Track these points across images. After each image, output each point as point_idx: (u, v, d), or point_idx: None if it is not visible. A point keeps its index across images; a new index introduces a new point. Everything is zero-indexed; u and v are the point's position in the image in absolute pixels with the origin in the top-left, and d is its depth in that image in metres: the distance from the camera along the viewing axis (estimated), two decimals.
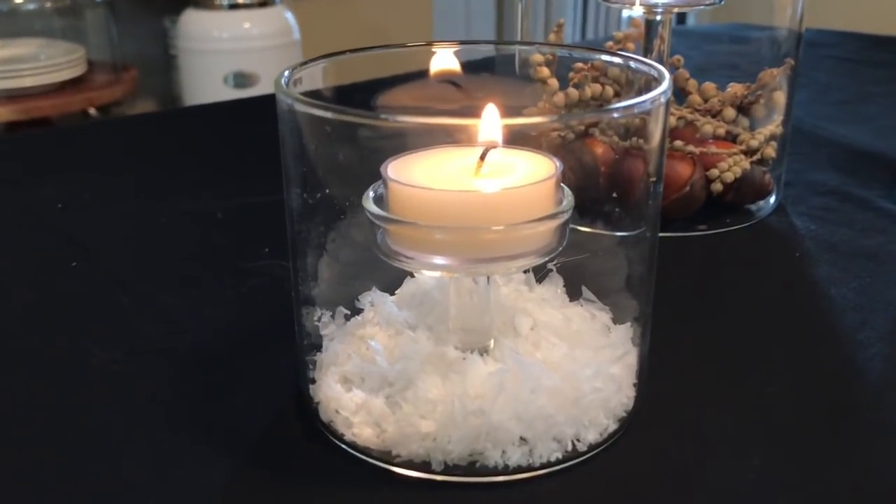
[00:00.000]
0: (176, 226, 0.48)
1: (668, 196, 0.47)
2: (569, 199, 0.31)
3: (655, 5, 0.48)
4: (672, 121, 0.49)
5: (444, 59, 0.34)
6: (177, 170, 0.58)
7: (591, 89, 0.49)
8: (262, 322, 0.38)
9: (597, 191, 0.50)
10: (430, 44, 0.33)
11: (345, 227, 0.32)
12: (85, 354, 0.35)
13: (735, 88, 0.51)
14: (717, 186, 0.47)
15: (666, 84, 0.28)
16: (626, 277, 0.33)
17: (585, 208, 0.40)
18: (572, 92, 0.49)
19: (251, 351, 0.36)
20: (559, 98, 0.49)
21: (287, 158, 0.29)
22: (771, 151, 0.49)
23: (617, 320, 0.34)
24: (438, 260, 0.29)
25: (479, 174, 0.31)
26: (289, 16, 1.71)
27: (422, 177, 0.30)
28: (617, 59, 0.34)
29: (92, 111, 1.68)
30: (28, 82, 1.51)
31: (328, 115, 0.25)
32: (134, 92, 1.74)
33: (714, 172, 0.47)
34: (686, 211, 0.47)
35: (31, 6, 1.67)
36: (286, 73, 0.28)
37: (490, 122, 0.31)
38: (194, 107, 0.88)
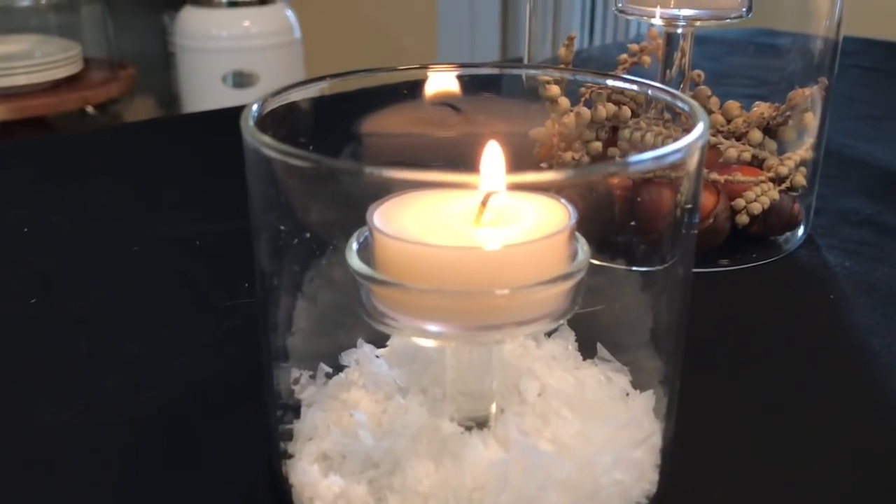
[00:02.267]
0: (150, 254, 0.44)
1: None
2: (584, 251, 0.27)
3: (677, 18, 0.43)
4: None
5: (441, 81, 0.30)
6: (157, 188, 0.54)
7: (606, 109, 0.45)
8: (236, 374, 0.34)
9: (615, 221, 0.46)
10: (425, 66, 0.29)
11: (325, 266, 0.28)
12: (29, 413, 0.31)
13: (761, 108, 0.47)
14: (743, 219, 0.43)
15: (701, 128, 0.23)
16: (648, 330, 0.29)
17: (602, 241, 0.36)
18: (584, 112, 0.45)
19: (222, 411, 0.32)
20: (569, 119, 0.45)
21: (255, 202, 0.25)
22: (801, 179, 0.45)
23: (637, 383, 0.30)
24: (432, 327, 0.24)
25: (480, 223, 0.27)
26: (289, 14, 1.67)
27: (414, 225, 0.26)
28: (637, 88, 0.29)
29: (89, 109, 1.64)
30: (22, 80, 1.47)
31: (303, 164, 0.21)
32: (131, 90, 1.71)
33: (740, 203, 0.43)
34: (708, 245, 0.43)
35: (26, 2, 1.63)
36: (254, 108, 0.24)
37: (492, 162, 0.27)
38: (177, 117, 0.83)
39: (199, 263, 0.43)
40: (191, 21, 1.62)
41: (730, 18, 0.44)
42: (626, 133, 0.45)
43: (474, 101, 0.32)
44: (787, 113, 0.46)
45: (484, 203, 0.27)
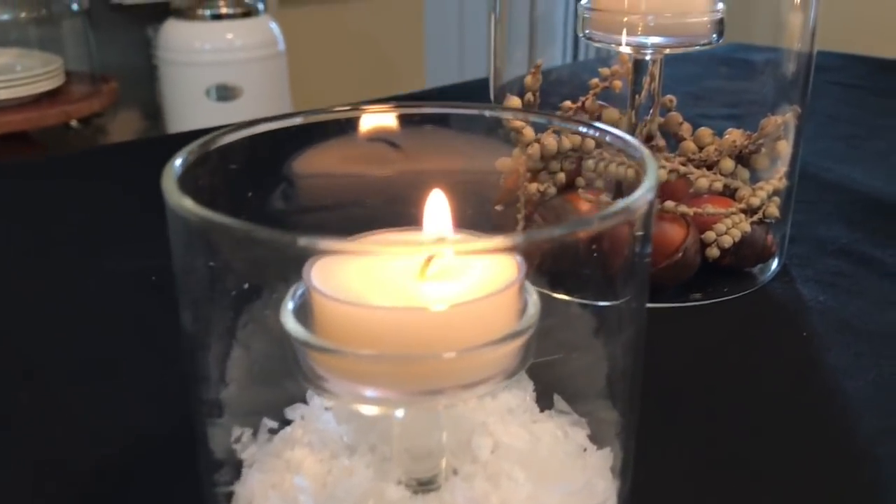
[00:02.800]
0: (103, 291, 0.43)
1: (658, 262, 0.41)
2: (535, 303, 0.25)
3: (644, 45, 0.42)
4: (663, 174, 0.43)
5: (377, 117, 0.29)
6: (118, 215, 0.53)
7: (570, 139, 0.44)
8: (184, 428, 0.32)
9: (579, 255, 0.45)
10: (359, 108, 0.28)
11: (260, 309, 0.26)
12: None
13: (734, 135, 0.46)
14: (714, 252, 0.42)
15: (650, 182, 0.22)
16: (605, 377, 0.28)
17: (564, 274, 0.35)
18: (549, 142, 0.44)
19: (165, 471, 0.30)
20: (534, 150, 0.44)
21: (177, 247, 0.23)
22: (774, 210, 0.44)
23: (596, 436, 0.28)
24: (374, 392, 0.23)
25: (425, 276, 0.25)
26: (273, 26, 1.65)
27: (355, 281, 0.24)
28: (589, 130, 0.28)
29: (73, 123, 1.63)
30: (3, 95, 1.45)
31: (229, 224, 0.20)
32: (115, 103, 1.69)
33: (710, 236, 0.42)
34: (678, 279, 0.42)
35: (6, 16, 1.61)
36: (178, 163, 0.23)
37: (436, 214, 0.26)
38: (142, 140, 0.81)
39: (154, 300, 0.42)
40: (174, 34, 1.61)
41: (699, 45, 0.42)
42: (590, 164, 0.44)
43: (415, 136, 0.30)
44: (760, 141, 0.45)
45: (429, 256, 0.25)
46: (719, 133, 0.47)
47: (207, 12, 1.60)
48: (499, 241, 0.23)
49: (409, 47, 2.16)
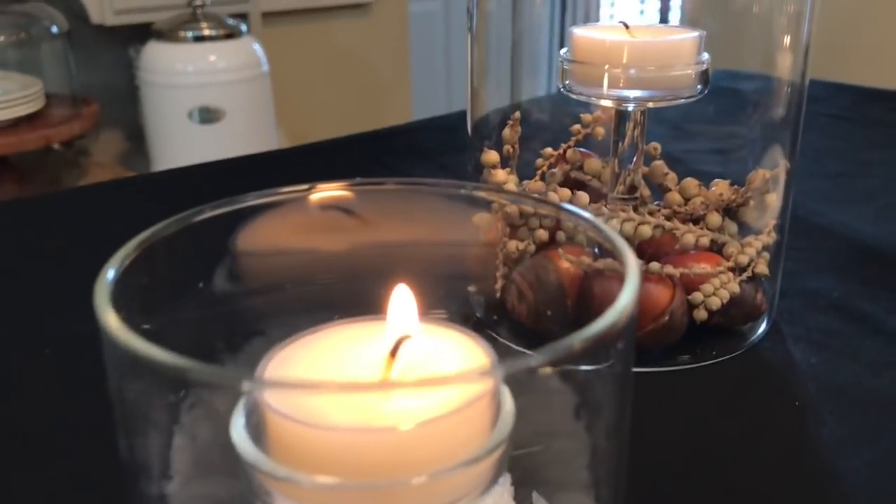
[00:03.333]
0: (35, 363, 0.40)
1: (643, 326, 0.39)
2: (508, 408, 0.24)
3: (626, 99, 0.41)
4: (647, 230, 0.42)
5: (327, 188, 0.26)
6: (74, 266, 0.50)
7: (559, 194, 0.42)
8: None
9: (561, 316, 0.43)
10: (310, 188, 0.25)
11: (207, 395, 0.24)
12: None
13: (720, 188, 0.44)
14: (702, 314, 0.40)
15: (629, 295, 0.20)
16: (588, 461, 0.26)
17: (545, 336, 0.33)
18: None
19: None
20: (513, 208, 0.42)
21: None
22: (763, 267, 0.42)
23: None
24: None
25: (389, 374, 0.23)
26: (257, 47, 1.64)
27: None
28: (557, 212, 0.26)
29: (55, 146, 1.61)
30: None
31: (161, 359, 0.18)
32: (97, 125, 1.67)
33: (697, 297, 0.40)
34: (664, 341, 0.40)
35: None
36: (109, 278, 0.21)
37: (401, 311, 0.24)
38: (112, 182, 0.77)
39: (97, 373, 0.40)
40: (155, 56, 1.59)
41: (683, 98, 0.41)
42: (569, 224, 0.42)
43: (374, 200, 0.27)
44: (748, 194, 0.43)
45: (393, 353, 0.24)
46: (706, 179, 0.46)
47: (189, 34, 1.58)
48: (472, 374, 0.21)
49: (395, 65, 2.15)
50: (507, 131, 0.43)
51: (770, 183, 0.42)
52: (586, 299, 0.39)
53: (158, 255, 0.22)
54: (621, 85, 0.40)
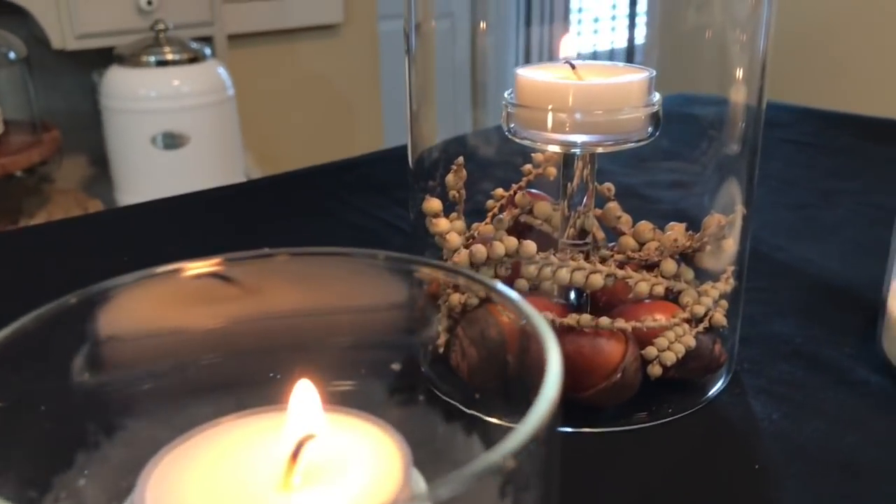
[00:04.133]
0: None
1: (594, 385, 0.37)
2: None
3: (573, 144, 0.39)
4: (598, 279, 0.39)
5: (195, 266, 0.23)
6: None
7: (505, 243, 0.40)
8: None
9: (503, 374, 0.41)
10: (180, 267, 0.23)
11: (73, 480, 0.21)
12: None
13: (675, 232, 0.42)
14: (656, 370, 0.38)
15: (550, 402, 0.18)
16: None
17: (485, 393, 0.31)
18: (478, 250, 0.40)
19: None
20: (461, 258, 0.40)
21: None
22: (721, 318, 0.40)
23: None
24: None
25: (289, 486, 0.21)
26: (221, 71, 1.61)
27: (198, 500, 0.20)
28: (498, 298, 0.24)
29: (17, 173, 1.57)
30: None
31: None
32: (59, 152, 1.64)
33: (651, 351, 0.38)
34: (617, 399, 0.38)
35: None
36: None
37: (303, 405, 0.22)
38: (41, 226, 0.72)
39: None
40: (117, 82, 1.56)
41: (633, 143, 0.39)
42: (530, 270, 0.40)
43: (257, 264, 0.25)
44: (704, 239, 0.41)
45: (294, 456, 0.21)
46: (663, 215, 0.44)
47: (152, 58, 1.55)
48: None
49: (365, 86, 2.13)
50: (450, 177, 0.41)
51: (726, 228, 0.40)
52: (524, 358, 0.37)
53: (16, 352, 0.20)
54: (567, 129, 0.38)
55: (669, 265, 0.41)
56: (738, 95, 0.41)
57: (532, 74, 0.39)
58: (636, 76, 0.39)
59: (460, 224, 0.43)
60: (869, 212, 0.61)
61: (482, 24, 0.46)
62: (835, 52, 1.86)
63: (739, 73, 0.41)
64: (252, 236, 0.59)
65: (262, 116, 1.99)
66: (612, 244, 0.44)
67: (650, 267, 0.41)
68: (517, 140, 0.40)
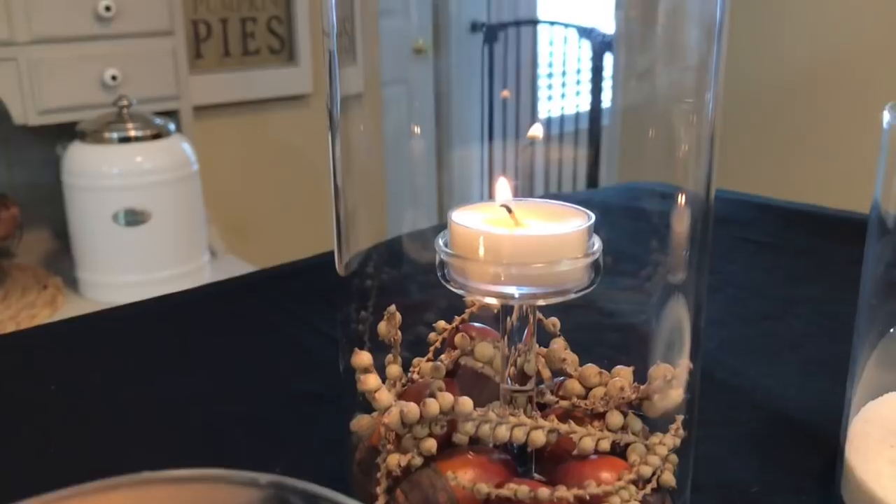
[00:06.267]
0: None
1: None
2: None
3: (510, 297, 0.37)
4: (540, 436, 0.37)
5: None
6: None
7: (440, 400, 0.38)
8: None
9: None
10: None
11: None
12: None
13: (623, 379, 0.40)
14: None
15: None
16: None
17: None
18: (411, 409, 0.37)
19: None
20: (392, 417, 0.37)
21: None
22: (669, 477, 0.38)
23: None
24: None
25: None
26: (185, 147, 1.60)
27: None
28: None
29: None
30: None
31: None
32: (19, 226, 1.61)
33: None
34: None
35: None
36: None
37: None
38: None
39: None
40: (79, 158, 1.54)
41: (573, 293, 0.37)
42: (468, 427, 0.37)
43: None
44: (651, 390, 0.39)
45: None
46: (611, 348, 0.42)
47: (115, 135, 1.53)
48: None
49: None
50: (382, 326, 0.39)
51: (673, 381, 0.38)
52: None
53: None
54: (503, 281, 0.36)
55: (615, 418, 0.38)
56: (686, 181, 0.38)
57: (466, 221, 0.37)
58: (575, 224, 0.37)
59: (396, 369, 0.41)
60: (828, 324, 0.59)
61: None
62: (782, 145, 1.87)
63: (685, 149, 0.38)
64: (184, 359, 0.57)
65: (230, 187, 1.97)
66: (560, 379, 0.42)
67: (596, 417, 0.39)
68: (451, 288, 0.37)
